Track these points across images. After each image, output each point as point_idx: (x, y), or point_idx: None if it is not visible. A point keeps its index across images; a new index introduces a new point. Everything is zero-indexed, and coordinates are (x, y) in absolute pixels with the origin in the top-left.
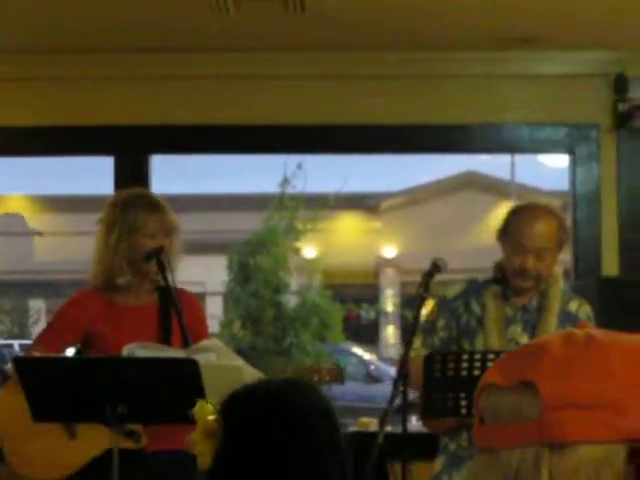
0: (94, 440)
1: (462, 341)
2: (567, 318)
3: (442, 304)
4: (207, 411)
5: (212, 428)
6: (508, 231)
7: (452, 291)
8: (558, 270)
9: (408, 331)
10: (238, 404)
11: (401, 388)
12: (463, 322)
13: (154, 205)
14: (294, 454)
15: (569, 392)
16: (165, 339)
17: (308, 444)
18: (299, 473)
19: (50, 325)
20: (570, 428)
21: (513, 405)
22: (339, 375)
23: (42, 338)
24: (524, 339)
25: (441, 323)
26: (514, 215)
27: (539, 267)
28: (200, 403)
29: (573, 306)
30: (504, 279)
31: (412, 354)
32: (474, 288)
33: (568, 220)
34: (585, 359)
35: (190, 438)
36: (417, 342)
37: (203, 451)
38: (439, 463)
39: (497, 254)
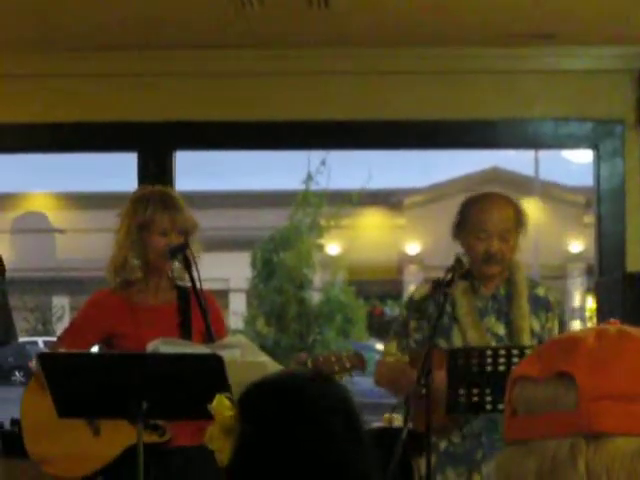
0: (118, 437)
1: (437, 340)
2: (537, 302)
3: (411, 306)
4: (225, 406)
5: (230, 424)
6: (467, 222)
7: (419, 293)
8: (519, 258)
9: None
10: (257, 399)
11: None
12: (434, 322)
13: (167, 202)
14: (313, 449)
15: (605, 384)
16: (186, 337)
17: (327, 439)
18: (319, 468)
19: (71, 326)
20: (606, 419)
21: (548, 396)
22: (360, 362)
23: (64, 338)
24: (500, 329)
25: (413, 325)
26: (470, 206)
27: (504, 249)
28: (218, 397)
29: (541, 291)
30: (469, 273)
31: (385, 358)
32: (440, 288)
33: (591, 216)
34: (620, 352)
35: (208, 433)
36: (392, 347)
37: (221, 447)
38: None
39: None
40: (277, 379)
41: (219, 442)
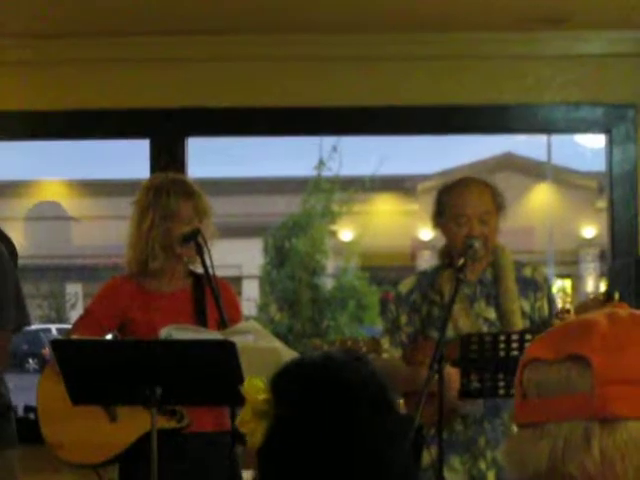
0: (135, 423)
1: (428, 331)
2: (525, 283)
3: (399, 301)
4: (256, 388)
5: (262, 406)
6: (445, 210)
7: (405, 286)
8: (502, 242)
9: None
10: (290, 379)
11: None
12: (424, 313)
13: (188, 191)
14: (348, 431)
15: (620, 367)
16: (201, 324)
17: (362, 418)
18: (352, 450)
19: (85, 313)
20: (621, 404)
21: (562, 378)
22: (376, 346)
23: (78, 326)
24: (490, 313)
25: (404, 319)
26: (446, 193)
27: (485, 232)
28: (249, 380)
29: (527, 271)
30: (453, 261)
31: (381, 355)
32: (426, 278)
33: (604, 201)
34: (634, 337)
35: (240, 417)
36: (385, 343)
37: (253, 429)
38: (428, 454)
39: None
40: (310, 360)
41: (250, 425)
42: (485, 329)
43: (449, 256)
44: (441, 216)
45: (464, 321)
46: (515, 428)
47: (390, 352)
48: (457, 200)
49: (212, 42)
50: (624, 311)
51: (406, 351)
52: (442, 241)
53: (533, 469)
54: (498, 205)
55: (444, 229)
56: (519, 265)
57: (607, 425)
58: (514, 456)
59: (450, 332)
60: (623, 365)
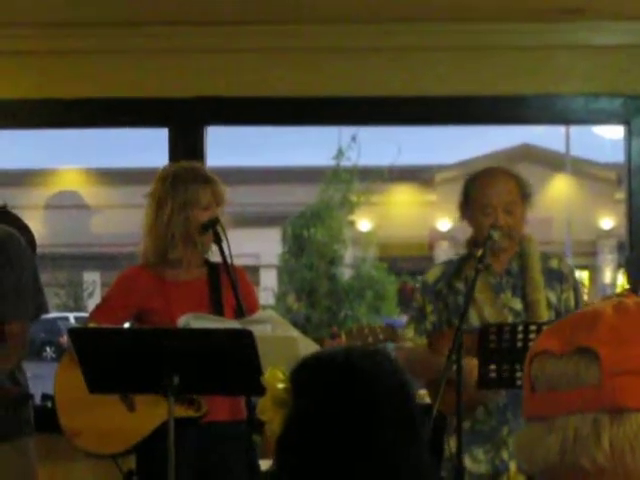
0: (153, 413)
1: (453, 320)
2: (551, 274)
3: (425, 290)
4: (277, 378)
5: (282, 396)
6: (470, 200)
7: (432, 275)
8: (530, 232)
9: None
10: (311, 371)
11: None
12: (451, 302)
13: (206, 177)
14: (367, 423)
15: (628, 358)
16: (217, 313)
17: (381, 412)
18: (370, 440)
19: (102, 302)
20: (630, 395)
21: (570, 372)
22: (393, 334)
23: (95, 315)
24: (517, 304)
25: (429, 308)
26: (472, 183)
27: (510, 222)
28: (270, 370)
29: (554, 263)
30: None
31: (403, 343)
32: (452, 268)
33: (623, 192)
34: None
35: (260, 405)
36: (409, 332)
37: (272, 418)
38: (453, 444)
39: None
40: (331, 353)
41: (270, 414)
42: (511, 319)
43: (476, 246)
44: (466, 207)
45: (489, 311)
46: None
47: (414, 340)
48: (483, 190)
49: (232, 32)
50: (631, 300)
51: (432, 339)
52: (460, 232)
53: (544, 462)
54: (524, 195)
55: (471, 218)
56: (545, 256)
57: (616, 417)
58: (524, 450)
59: (475, 322)
60: (631, 356)
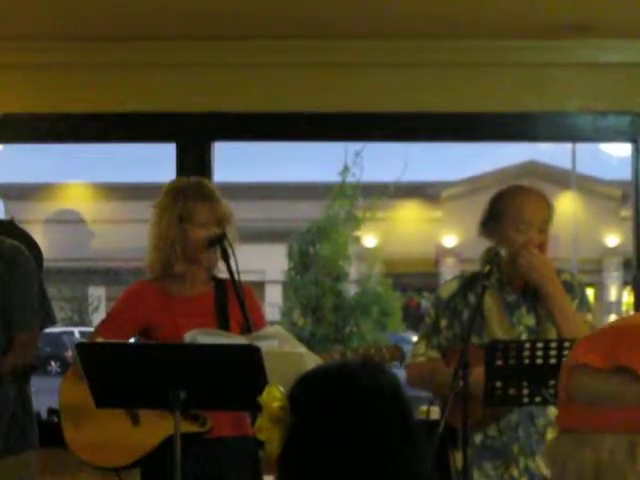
0: (157, 427)
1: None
2: (566, 288)
3: (439, 304)
4: (274, 396)
5: (279, 414)
6: (503, 214)
7: (446, 291)
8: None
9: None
10: (306, 387)
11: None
12: (465, 318)
13: (205, 194)
14: (363, 437)
15: None
16: (224, 329)
17: (377, 426)
18: (368, 456)
19: (108, 317)
20: None
21: (611, 390)
22: (399, 354)
23: (101, 329)
24: (530, 320)
25: (444, 323)
26: (505, 198)
27: (543, 240)
28: (267, 388)
29: (566, 276)
30: (497, 268)
31: (415, 360)
32: (468, 283)
33: (628, 210)
34: None
35: (257, 424)
36: (421, 347)
37: (270, 438)
38: (460, 458)
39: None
40: (327, 370)
41: (268, 433)
42: (525, 336)
43: (491, 262)
44: (496, 221)
45: (494, 328)
46: (553, 432)
47: (426, 355)
48: (521, 207)
49: (240, 47)
50: None
51: (447, 354)
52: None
53: (576, 476)
54: (551, 215)
55: (500, 235)
56: (558, 272)
57: None
58: (556, 459)
59: (487, 339)
60: None
